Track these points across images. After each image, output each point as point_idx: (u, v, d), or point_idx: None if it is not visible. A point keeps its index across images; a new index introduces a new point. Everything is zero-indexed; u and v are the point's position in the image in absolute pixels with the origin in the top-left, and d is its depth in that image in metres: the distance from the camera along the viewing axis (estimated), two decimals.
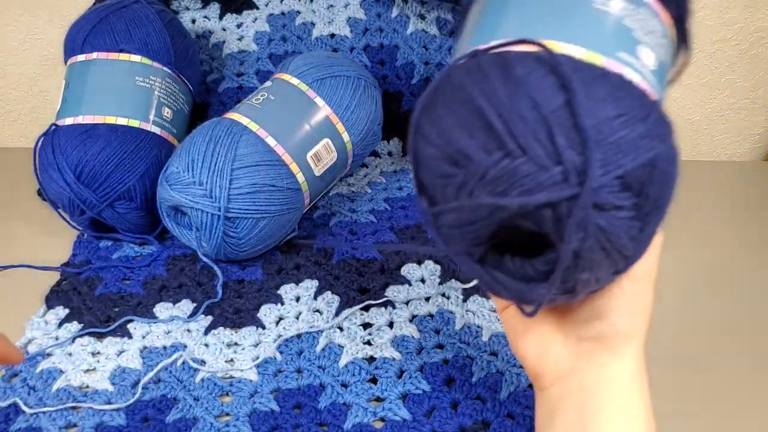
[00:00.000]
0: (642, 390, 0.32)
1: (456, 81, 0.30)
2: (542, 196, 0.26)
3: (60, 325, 0.54)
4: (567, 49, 0.29)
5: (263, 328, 0.53)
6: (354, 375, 0.48)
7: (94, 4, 0.69)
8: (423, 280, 0.57)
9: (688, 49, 0.36)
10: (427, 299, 0.55)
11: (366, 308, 0.54)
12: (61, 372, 0.49)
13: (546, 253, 0.29)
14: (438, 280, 0.57)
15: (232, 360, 0.51)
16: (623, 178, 0.27)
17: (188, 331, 0.53)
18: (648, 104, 0.29)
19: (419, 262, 0.59)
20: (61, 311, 0.56)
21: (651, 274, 0.31)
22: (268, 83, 0.63)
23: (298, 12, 0.75)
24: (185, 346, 0.52)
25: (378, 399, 0.47)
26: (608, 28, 0.30)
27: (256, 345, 0.52)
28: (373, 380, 0.48)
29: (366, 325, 0.53)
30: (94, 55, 0.62)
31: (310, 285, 0.57)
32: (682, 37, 0.35)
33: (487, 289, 0.32)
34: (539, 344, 0.35)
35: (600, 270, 0.29)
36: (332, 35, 0.75)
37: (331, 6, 0.75)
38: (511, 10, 0.32)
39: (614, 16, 0.30)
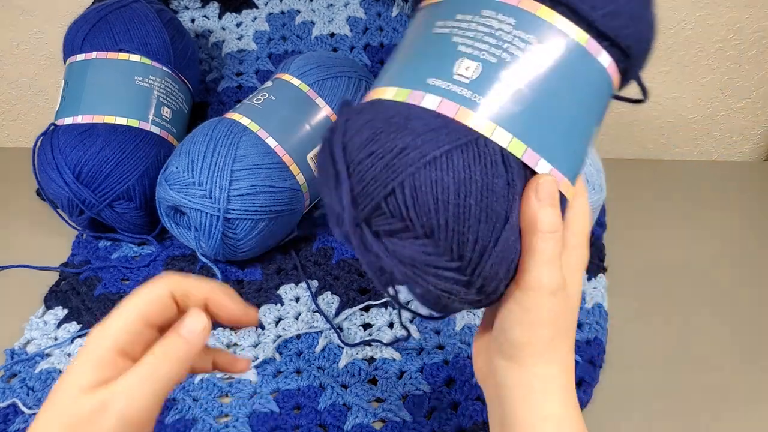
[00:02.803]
0: (552, 400, 0.32)
1: None
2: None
3: (59, 325, 0.54)
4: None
5: (262, 328, 0.53)
6: (354, 376, 0.48)
7: (94, 3, 0.68)
8: None
9: None
10: None
11: (366, 308, 0.54)
12: (60, 372, 0.49)
13: None
14: None
15: None
16: None
17: None
18: None
19: None
20: (60, 311, 0.56)
21: (544, 286, 0.30)
22: (268, 83, 0.63)
23: (298, 11, 0.75)
24: None
25: (378, 400, 0.47)
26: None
27: (255, 345, 0.52)
28: (373, 381, 0.48)
29: (366, 326, 0.53)
30: (93, 54, 0.62)
31: (310, 285, 0.57)
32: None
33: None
34: (476, 352, 0.36)
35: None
36: (332, 34, 0.75)
37: (331, 5, 0.75)
38: None
39: None
